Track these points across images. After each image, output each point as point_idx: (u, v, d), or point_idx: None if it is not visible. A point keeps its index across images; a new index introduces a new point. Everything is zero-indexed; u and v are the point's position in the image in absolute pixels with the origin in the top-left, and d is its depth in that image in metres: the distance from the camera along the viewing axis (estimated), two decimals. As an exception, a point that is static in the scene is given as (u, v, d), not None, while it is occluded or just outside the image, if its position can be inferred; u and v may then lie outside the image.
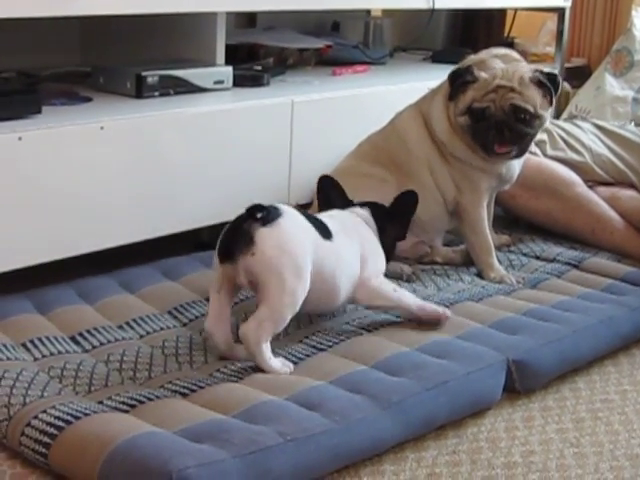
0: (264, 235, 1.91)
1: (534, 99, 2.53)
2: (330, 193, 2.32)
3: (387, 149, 2.67)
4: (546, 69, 2.63)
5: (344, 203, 2.31)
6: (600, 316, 2.34)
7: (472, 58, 2.66)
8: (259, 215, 1.92)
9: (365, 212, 2.27)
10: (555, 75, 2.59)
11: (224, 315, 2.00)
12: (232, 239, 1.94)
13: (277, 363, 1.97)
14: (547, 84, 2.54)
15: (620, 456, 1.88)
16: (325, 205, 2.31)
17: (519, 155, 2.61)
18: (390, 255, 2.30)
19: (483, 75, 2.55)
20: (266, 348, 1.95)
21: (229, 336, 2.02)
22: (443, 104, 2.62)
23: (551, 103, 2.58)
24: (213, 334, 2.00)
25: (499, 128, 2.53)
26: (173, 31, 2.81)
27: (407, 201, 2.31)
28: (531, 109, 2.53)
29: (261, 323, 1.92)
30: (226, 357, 2.03)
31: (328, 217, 2.17)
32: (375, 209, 2.30)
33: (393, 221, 2.29)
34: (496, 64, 2.58)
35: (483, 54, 2.65)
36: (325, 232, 2.07)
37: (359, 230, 2.21)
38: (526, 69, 2.58)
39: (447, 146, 2.61)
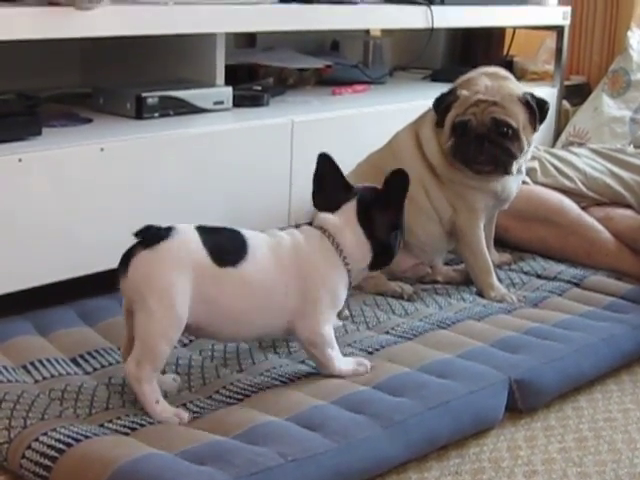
0: (139, 258, 1.85)
1: (517, 116, 2.52)
2: (326, 175, 2.07)
3: (383, 168, 2.63)
4: (539, 94, 2.61)
5: (339, 186, 2.06)
6: (601, 334, 2.33)
7: (461, 78, 2.65)
8: (140, 238, 1.86)
9: (337, 221, 2.02)
10: (545, 102, 2.57)
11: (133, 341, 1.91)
12: (121, 258, 1.89)
13: (164, 408, 1.86)
14: (533, 107, 2.53)
15: (623, 475, 1.87)
16: (318, 187, 2.07)
17: (502, 172, 2.57)
18: (392, 252, 2.06)
19: (464, 92, 2.56)
20: (150, 390, 1.86)
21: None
22: (432, 127, 2.62)
23: (534, 129, 2.56)
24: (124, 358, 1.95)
25: (479, 141, 2.52)
26: (173, 52, 2.82)
27: (397, 183, 2.02)
28: (514, 124, 2.51)
29: (139, 362, 1.84)
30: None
31: (261, 238, 1.99)
32: (365, 197, 2.04)
33: (384, 208, 2.03)
34: (482, 81, 2.57)
35: (471, 73, 2.64)
36: (228, 258, 1.91)
37: (314, 261, 1.99)
38: (514, 87, 2.57)
39: (437, 168, 2.61)
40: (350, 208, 2.04)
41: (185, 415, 1.87)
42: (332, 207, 2.05)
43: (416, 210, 2.60)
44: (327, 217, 2.04)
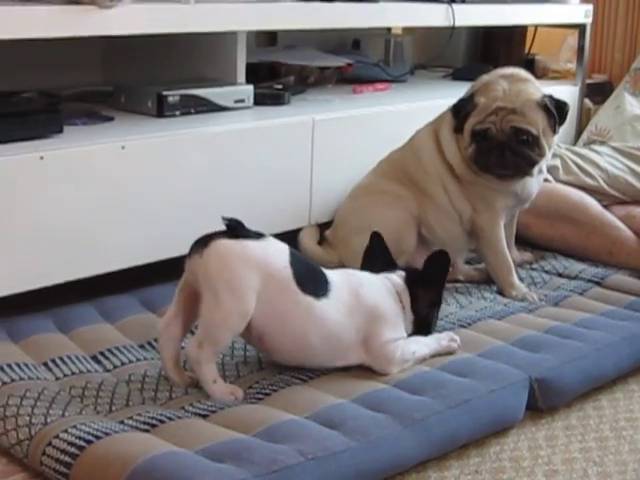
0: (220, 245, 1.90)
1: (537, 122, 2.51)
2: (376, 250, 2.21)
3: (404, 166, 2.66)
4: (559, 94, 2.60)
5: (387, 263, 2.19)
6: (623, 333, 2.32)
7: (479, 80, 2.63)
8: (230, 230, 1.91)
9: (399, 280, 2.13)
10: (564, 104, 2.56)
11: (178, 317, 1.99)
12: (201, 239, 1.93)
13: (220, 388, 1.94)
14: (552, 110, 2.51)
15: (645, 475, 1.86)
16: (368, 260, 2.21)
17: (523, 176, 2.57)
18: (430, 326, 2.17)
19: (482, 100, 2.54)
20: (209, 370, 1.93)
21: (177, 343, 2.00)
22: (451, 129, 2.61)
23: (554, 131, 2.55)
24: (161, 336, 2.01)
25: (501, 150, 2.51)
26: (194, 50, 2.82)
27: (438, 262, 2.14)
28: (534, 131, 2.50)
29: (200, 344, 1.91)
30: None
31: (345, 276, 2.08)
32: (410, 275, 2.15)
33: (425, 286, 2.13)
34: (500, 85, 2.55)
35: (490, 76, 2.61)
36: (312, 288, 1.98)
37: (379, 299, 2.07)
38: (532, 90, 2.55)
39: (456, 169, 2.61)
40: (398, 276, 2.14)
41: (240, 393, 1.94)
42: None
43: (436, 209, 2.60)
44: (395, 277, 2.14)
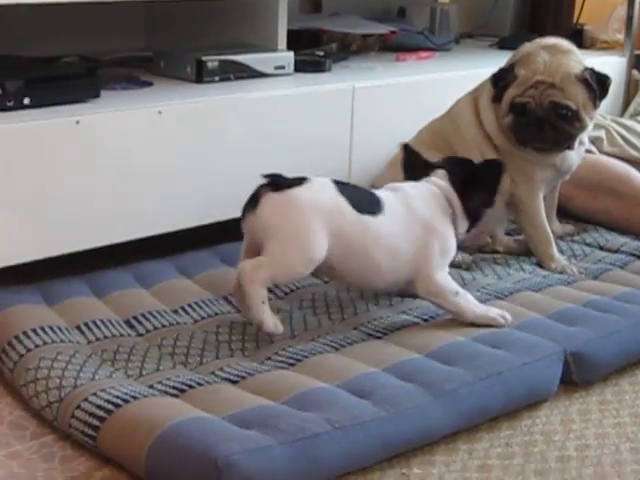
0: (268, 199, 1.97)
1: (576, 97, 2.46)
2: (411, 159, 2.26)
3: (442, 134, 2.64)
4: (604, 67, 2.55)
5: (425, 167, 2.23)
6: (663, 308, 2.29)
7: (520, 50, 2.59)
8: (274, 184, 1.98)
9: (444, 183, 2.17)
10: (606, 78, 2.50)
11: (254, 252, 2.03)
12: (247, 200, 2.01)
13: (267, 311, 1.98)
14: (593, 84, 2.46)
15: (679, 452, 1.83)
16: (408, 171, 2.25)
17: (563, 149, 2.53)
18: (475, 221, 2.22)
19: (523, 72, 2.50)
20: (260, 290, 1.96)
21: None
22: (490, 98, 2.58)
23: (595, 106, 2.50)
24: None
25: (540, 125, 2.47)
26: (235, 16, 2.81)
27: (493, 169, 2.21)
28: (573, 106, 2.46)
29: (260, 266, 1.95)
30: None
31: (393, 192, 2.14)
32: (455, 174, 2.19)
33: (480, 190, 2.19)
34: (541, 57, 2.51)
35: (531, 46, 2.56)
36: (367, 208, 2.05)
37: (430, 212, 2.13)
38: (573, 64, 2.50)
39: (494, 139, 2.57)
40: (441, 177, 2.19)
41: (281, 327, 2.00)
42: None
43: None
44: (438, 180, 2.18)
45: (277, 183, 1.99)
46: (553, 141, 2.49)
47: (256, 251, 2.01)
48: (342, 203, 2.02)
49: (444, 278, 2.12)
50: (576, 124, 2.48)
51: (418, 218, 2.10)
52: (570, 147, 2.52)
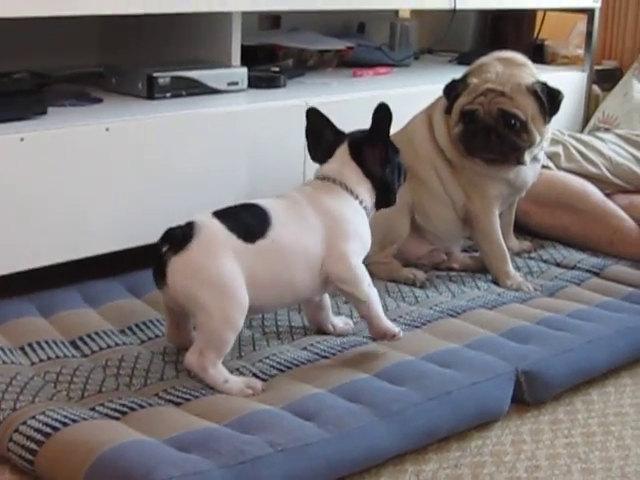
0: (174, 266, 1.87)
1: (525, 107, 2.45)
2: (316, 127, 2.16)
3: (399, 151, 2.62)
4: (552, 84, 2.51)
5: (331, 135, 2.15)
6: (617, 326, 2.27)
7: (476, 62, 2.58)
8: (167, 246, 1.88)
9: (339, 167, 2.09)
10: (558, 93, 2.48)
11: (181, 324, 2.00)
12: (154, 270, 1.92)
13: (236, 385, 1.88)
14: (542, 97, 2.44)
15: (630, 473, 1.80)
16: (312, 141, 2.17)
17: (514, 162, 2.50)
18: (390, 185, 2.12)
19: (474, 80, 2.50)
20: (216, 373, 1.87)
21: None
22: (443, 111, 2.56)
23: (545, 121, 2.48)
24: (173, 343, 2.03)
25: (487, 133, 2.46)
26: (189, 32, 2.78)
27: (379, 116, 2.09)
28: (521, 116, 2.44)
29: (202, 352, 1.87)
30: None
31: (276, 203, 2.02)
32: (352, 142, 2.12)
33: (372, 144, 2.10)
34: (494, 68, 2.50)
35: (486, 58, 2.57)
36: (255, 231, 1.94)
37: (323, 208, 2.04)
38: (525, 75, 2.48)
39: (447, 153, 2.55)
40: (343, 150, 2.11)
41: (259, 384, 1.89)
42: (328, 155, 2.14)
43: (429, 195, 2.56)
44: (327, 167, 2.12)
45: (175, 243, 1.87)
46: (499, 151, 2.47)
47: (177, 320, 1.99)
48: (234, 240, 1.91)
49: (360, 267, 2.03)
50: (524, 136, 2.46)
51: (313, 218, 2.02)
52: (520, 161, 2.50)
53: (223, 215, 1.94)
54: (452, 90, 2.53)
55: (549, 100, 2.45)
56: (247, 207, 2.01)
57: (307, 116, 2.16)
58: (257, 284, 1.91)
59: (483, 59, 2.57)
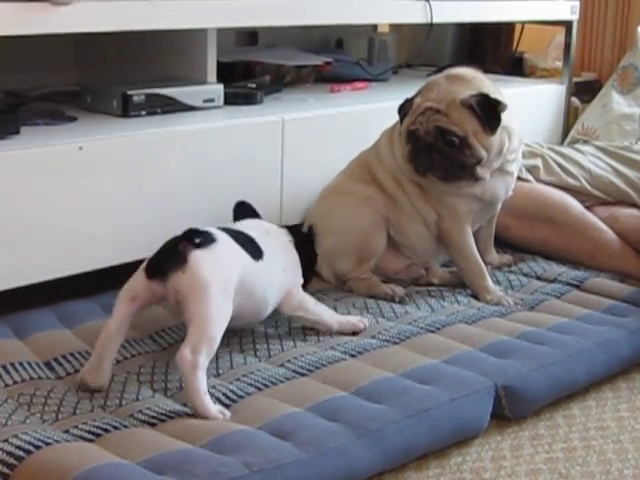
0: (197, 256, 1.91)
1: (462, 123, 2.40)
2: (242, 212, 2.31)
3: (369, 167, 2.61)
4: (494, 95, 2.45)
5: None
6: (597, 339, 2.25)
7: (427, 81, 2.57)
8: (197, 240, 1.93)
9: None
10: (497, 103, 2.42)
11: (125, 326, 1.97)
12: (165, 257, 1.93)
13: (210, 403, 1.84)
14: (476, 109, 2.39)
15: (610, 487, 1.79)
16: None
17: (469, 178, 2.46)
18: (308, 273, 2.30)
19: (417, 100, 2.48)
20: (202, 379, 1.84)
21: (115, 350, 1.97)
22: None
23: (488, 134, 2.42)
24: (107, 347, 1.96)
25: (428, 151, 2.44)
26: (165, 49, 2.76)
27: (307, 243, 2.30)
28: (459, 132, 2.40)
29: (195, 347, 1.84)
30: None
31: (259, 233, 2.15)
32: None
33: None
34: (437, 86, 2.47)
35: (437, 75, 2.55)
36: (256, 252, 2.07)
37: (282, 243, 2.22)
38: (463, 90, 2.43)
39: (406, 173, 2.54)
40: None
41: (227, 413, 1.86)
42: None
43: (401, 211, 2.56)
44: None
45: (202, 240, 1.93)
46: (443, 169, 2.44)
47: (143, 306, 1.97)
48: (244, 255, 2.03)
49: (301, 291, 2.22)
50: (466, 152, 2.42)
51: (279, 250, 2.18)
52: (475, 176, 2.46)
53: (230, 232, 2.05)
54: (401, 110, 2.52)
55: (486, 112, 2.40)
56: (238, 232, 2.10)
57: (235, 208, 2.32)
58: (244, 298, 2.00)
59: (434, 77, 2.56)
